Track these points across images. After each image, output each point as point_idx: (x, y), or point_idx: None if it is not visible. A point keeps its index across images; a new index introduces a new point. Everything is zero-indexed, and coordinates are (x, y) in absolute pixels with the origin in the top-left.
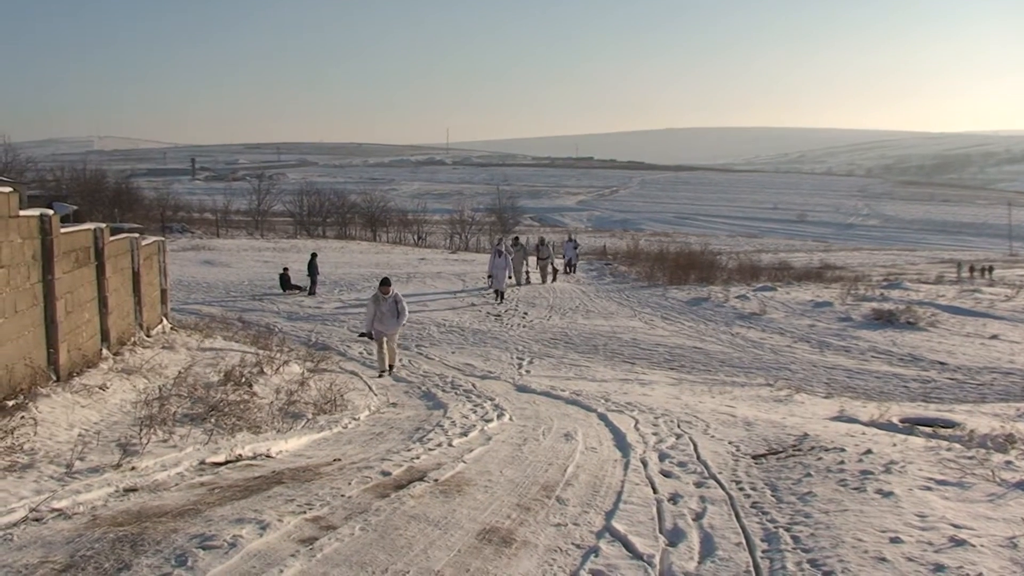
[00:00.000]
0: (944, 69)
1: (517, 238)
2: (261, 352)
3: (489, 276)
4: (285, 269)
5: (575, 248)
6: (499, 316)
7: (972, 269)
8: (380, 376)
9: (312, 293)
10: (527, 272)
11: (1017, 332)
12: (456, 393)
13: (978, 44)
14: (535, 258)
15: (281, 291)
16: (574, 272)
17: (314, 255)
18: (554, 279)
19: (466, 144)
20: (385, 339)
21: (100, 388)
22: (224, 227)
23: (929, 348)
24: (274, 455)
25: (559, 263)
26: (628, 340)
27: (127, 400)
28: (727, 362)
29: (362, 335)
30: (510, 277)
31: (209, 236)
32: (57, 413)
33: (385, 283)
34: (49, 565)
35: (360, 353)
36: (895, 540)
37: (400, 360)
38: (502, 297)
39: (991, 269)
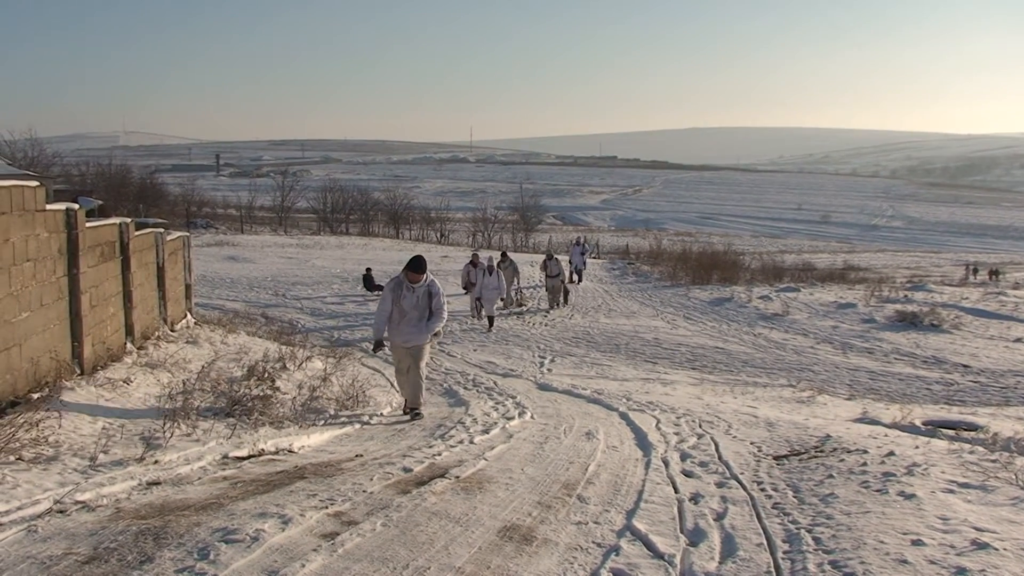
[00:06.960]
0: (971, 70)
1: (505, 253)
2: (284, 348)
3: (477, 299)
4: (368, 269)
5: (583, 254)
6: (521, 315)
7: (976, 271)
8: (406, 414)
9: None
10: (517, 292)
11: None
12: (478, 391)
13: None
14: (544, 275)
15: (368, 291)
16: (580, 282)
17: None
18: (565, 301)
19: (490, 142)
20: (409, 357)
21: (124, 382)
22: (248, 223)
23: (953, 350)
24: (296, 450)
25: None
26: (650, 340)
27: (151, 394)
28: (749, 363)
29: (377, 347)
30: (501, 299)
31: (233, 232)
32: (81, 406)
33: (416, 266)
34: (73, 557)
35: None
36: (917, 543)
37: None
38: (492, 324)
39: (998, 273)
